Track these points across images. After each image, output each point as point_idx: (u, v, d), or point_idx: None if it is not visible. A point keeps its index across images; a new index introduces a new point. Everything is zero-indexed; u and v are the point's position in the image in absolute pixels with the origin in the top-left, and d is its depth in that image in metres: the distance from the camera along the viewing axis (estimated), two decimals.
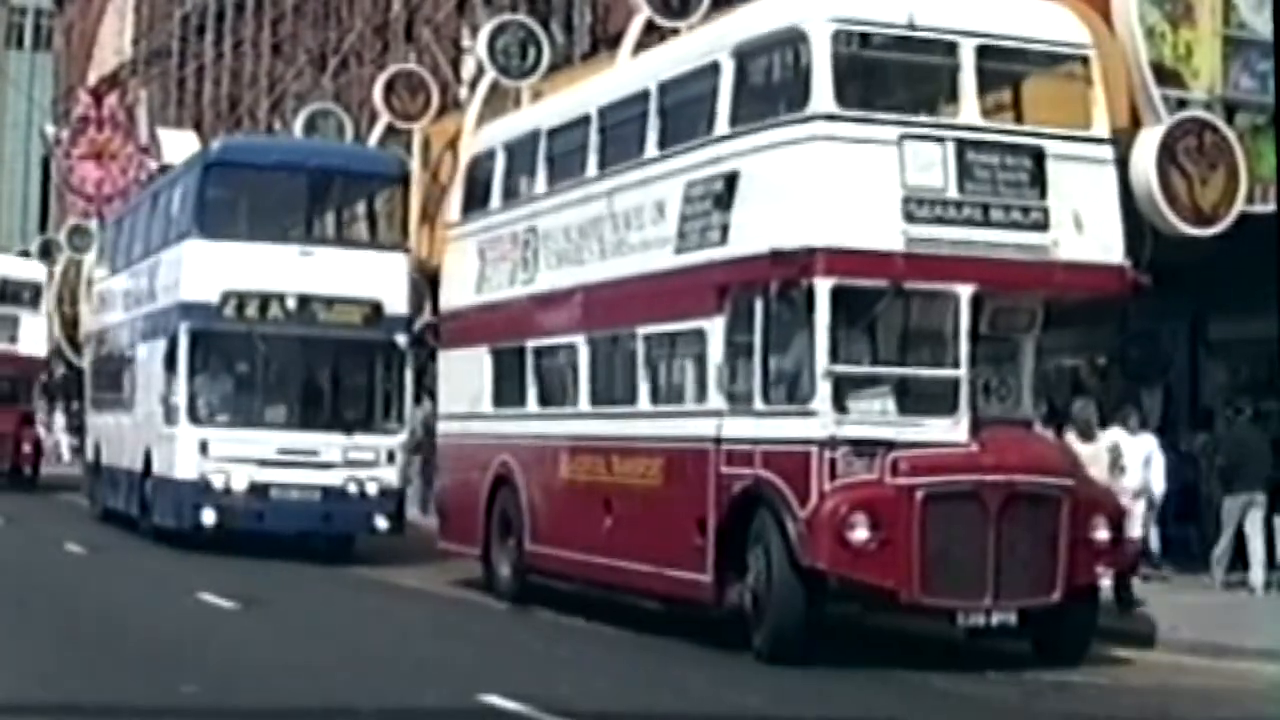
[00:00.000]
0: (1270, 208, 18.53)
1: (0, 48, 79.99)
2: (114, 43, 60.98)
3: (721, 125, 15.67)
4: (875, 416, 14.48)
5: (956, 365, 14.57)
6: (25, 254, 47.88)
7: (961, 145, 14.70)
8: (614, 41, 27.86)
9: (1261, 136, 18.60)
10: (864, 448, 14.27)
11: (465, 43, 33.70)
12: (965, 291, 14.55)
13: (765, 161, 15.05)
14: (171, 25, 54.14)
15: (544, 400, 19.04)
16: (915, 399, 14.71)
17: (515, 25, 30.76)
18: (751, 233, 15.00)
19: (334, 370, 24.12)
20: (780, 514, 14.44)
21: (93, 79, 58.73)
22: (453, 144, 30.91)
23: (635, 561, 16.61)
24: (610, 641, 16.55)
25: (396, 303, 23.65)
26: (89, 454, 30.49)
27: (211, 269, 23.34)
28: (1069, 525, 14.47)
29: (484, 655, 14.90)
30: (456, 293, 21.35)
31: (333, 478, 22.83)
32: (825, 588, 14.43)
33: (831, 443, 14.26)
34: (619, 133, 17.64)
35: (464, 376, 20.80)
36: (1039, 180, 14.85)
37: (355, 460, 22.93)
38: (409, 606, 19.33)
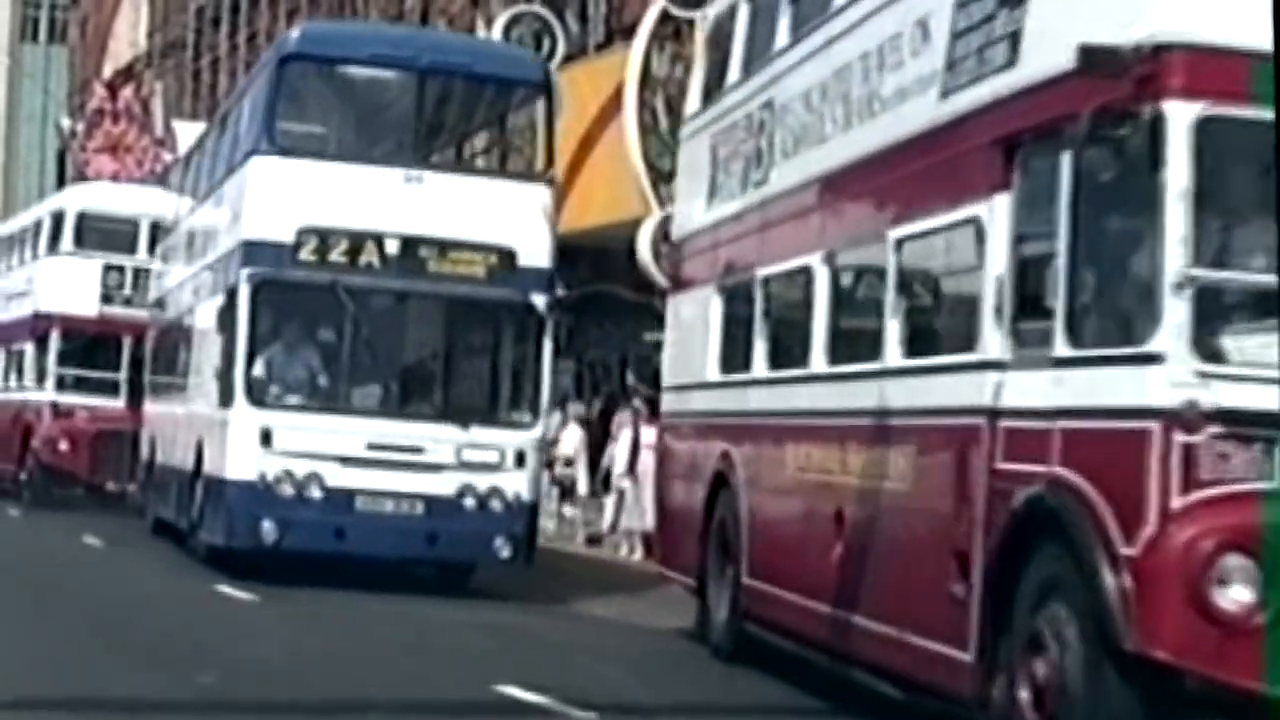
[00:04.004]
0: None
1: (15, 41, 76.94)
2: (129, 35, 59.29)
3: None
4: (1276, 370, 7.58)
5: None
6: None
7: None
8: (629, 31, 26.07)
9: None
10: (1253, 428, 7.44)
11: (480, 33, 30.60)
12: None
13: None
14: (186, 17, 52.76)
15: (774, 360, 12.58)
16: None
17: (530, 16, 28.46)
18: (1056, 39, 8.25)
19: (447, 339, 17.99)
20: (1087, 550, 7.70)
21: (108, 72, 56.14)
22: None
23: (869, 617, 10.03)
24: None
25: (535, 251, 17.18)
26: (144, 452, 23.84)
27: (284, 197, 17.12)
28: None
29: (502, 647, 13.51)
30: (687, 213, 15.07)
31: (442, 484, 16.66)
32: (1174, 691, 7.62)
33: (1189, 416, 7.44)
34: None
35: (689, 330, 14.52)
36: None
37: (473, 462, 16.72)
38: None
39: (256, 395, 16.83)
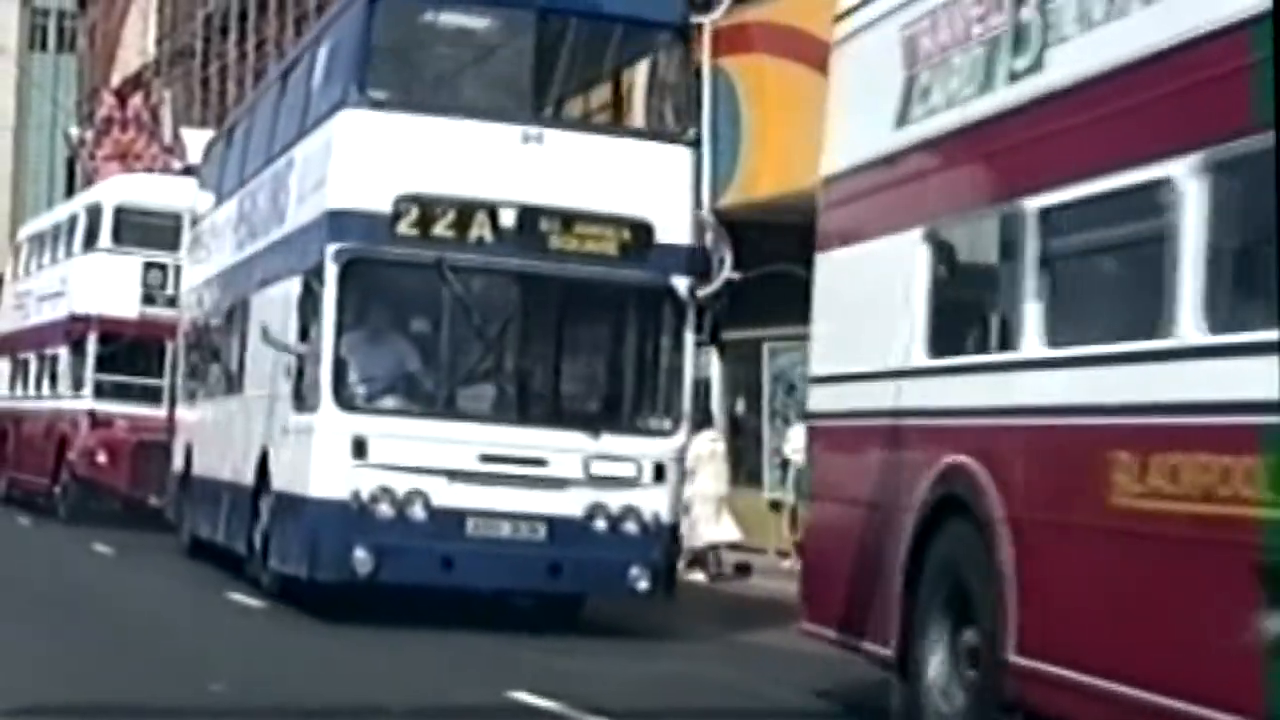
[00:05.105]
0: None
1: (24, 50, 76.70)
2: (137, 43, 60.05)
3: None
4: None
5: None
6: None
7: None
8: None
9: None
10: None
11: None
12: None
13: None
14: (194, 25, 53.60)
15: (1059, 331, 8.53)
16: None
17: None
18: None
19: (573, 330, 15.66)
20: None
21: (116, 80, 57.34)
22: None
23: None
24: None
25: (675, 225, 14.81)
26: (177, 460, 21.46)
27: (379, 160, 14.60)
28: None
29: (515, 654, 13.08)
30: (851, 140, 11.08)
31: (567, 503, 14.34)
32: None
33: None
34: None
35: (863, 299, 10.55)
36: None
37: (604, 477, 14.39)
38: None
39: (347, 398, 14.42)
